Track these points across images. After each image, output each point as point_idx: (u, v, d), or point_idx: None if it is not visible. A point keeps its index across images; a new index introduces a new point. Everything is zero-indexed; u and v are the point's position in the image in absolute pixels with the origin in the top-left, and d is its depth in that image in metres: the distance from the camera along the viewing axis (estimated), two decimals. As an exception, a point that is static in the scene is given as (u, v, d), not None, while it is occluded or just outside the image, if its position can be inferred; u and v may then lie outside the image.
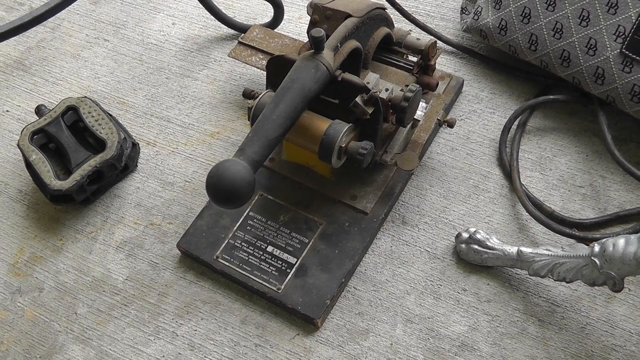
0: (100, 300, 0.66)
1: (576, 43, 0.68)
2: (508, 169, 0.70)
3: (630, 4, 0.65)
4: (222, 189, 0.51)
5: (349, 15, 0.63)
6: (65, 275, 0.68)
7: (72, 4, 0.73)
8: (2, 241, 0.71)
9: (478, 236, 0.64)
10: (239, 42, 0.76)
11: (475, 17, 0.76)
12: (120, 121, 0.77)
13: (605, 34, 0.67)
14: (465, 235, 0.65)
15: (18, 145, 0.70)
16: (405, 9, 0.83)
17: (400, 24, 0.81)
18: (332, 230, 0.66)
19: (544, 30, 0.70)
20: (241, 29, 0.83)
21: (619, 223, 0.66)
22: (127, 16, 0.88)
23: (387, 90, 0.63)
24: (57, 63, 0.84)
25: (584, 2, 0.68)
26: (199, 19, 0.86)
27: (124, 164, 0.71)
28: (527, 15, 0.71)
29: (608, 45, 0.66)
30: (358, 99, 0.60)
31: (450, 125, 0.67)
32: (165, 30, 0.86)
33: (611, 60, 0.66)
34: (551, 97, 0.72)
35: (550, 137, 0.72)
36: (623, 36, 0.65)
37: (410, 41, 0.71)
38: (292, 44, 0.75)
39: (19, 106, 0.81)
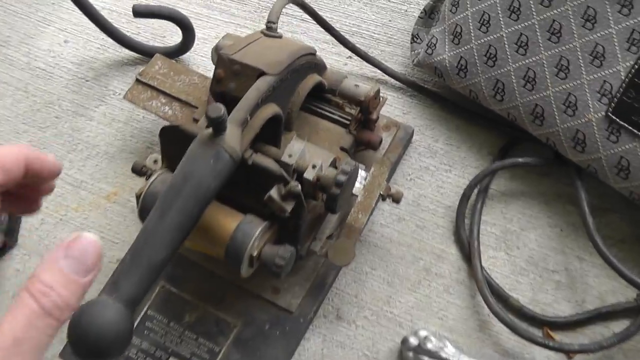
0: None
1: (552, 98, 0.55)
2: (467, 249, 0.58)
3: (619, 55, 0.52)
4: (87, 347, 0.37)
5: (263, 73, 0.49)
6: None
7: None
8: None
9: (429, 345, 0.52)
10: (137, 80, 0.61)
11: (429, 51, 0.62)
12: (-4, 177, 0.63)
13: (587, 90, 0.53)
14: (413, 341, 0.53)
15: None
16: (345, 28, 0.69)
17: (336, 51, 0.66)
18: (248, 334, 0.54)
19: (513, 77, 0.57)
20: (145, 52, 0.68)
21: (600, 321, 0.55)
22: (11, 29, 0.72)
23: (314, 167, 0.50)
24: None
25: (562, 47, 0.54)
26: (95, 35, 0.70)
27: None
28: (492, 56, 0.57)
29: (591, 106, 0.53)
30: (274, 193, 0.46)
31: (396, 200, 0.54)
32: (55, 50, 0.70)
33: (594, 124, 0.53)
34: (520, 160, 0.59)
35: (517, 204, 0.60)
36: (609, 96, 0.52)
37: (346, 89, 0.57)
38: (203, 83, 0.60)
39: None
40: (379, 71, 0.66)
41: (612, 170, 0.53)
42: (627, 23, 0.51)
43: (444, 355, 0.52)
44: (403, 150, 0.61)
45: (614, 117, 0.52)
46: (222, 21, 0.71)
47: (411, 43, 0.65)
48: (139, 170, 0.51)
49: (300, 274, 0.56)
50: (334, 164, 0.53)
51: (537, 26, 0.55)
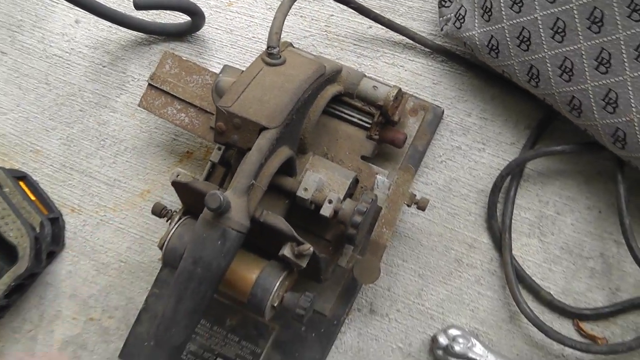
0: (51, 414, 0.62)
1: (590, 92, 0.49)
2: (499, 238, 0.56)
3: (669, 55, 0.45)
4: None
5: (264, 128, 0.46)
6: (10, 385, 0.63)
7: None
8: (-62, 346, 0.65)
9: (457, 348, 0.54)
10: (150, 85, 0.58)
11: (457, 24, 0.55)
12: (36, 180, 0.65)
13: (630, 88, 0.47)
14: (442, 341, 0.55)
15: None
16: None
17: (359, 19, 0.60)
18: (286, 336, 0.57)
19: (548, 65, 0.50)
20: (156, 32, 0.64)
21: (634, 311, 0.54)
22: (22, 12, 0.69)
23: (330, 202, 0.48)
24: (-49, 92, 0.69)
25: (604, 39, 0.47)
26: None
27: (44, 260, 0.61)
28: (525, 40, 0.51)
29: (633, 105, 0.47)
30: (287, 252, 0.46)
31: (422, 208, 0.53)
32: (68, 32, 0.67)
33: (636, 123, 0.48)
34: (557, 148, 0.54)
35: (554, 185, 0.57)
36: (655, 96, 0.46)
37: (364, 91, 0.53)
38: (214, 79, 0.57)
39: None
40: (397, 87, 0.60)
41: (655, 171, 0.49)
42: (679, 18, 0.44)
43: (472, 355, 0.54)
44: (432, 135, 0.58)
45: (659, 120, 0.47)
46: (232, -17, 0.65)
47: (439, 8, 0.58)
48: (159, 213, 0.52)
49: (332, 279, 0.57)
50: (353, 188, 0.51)
51: (575, 12, 0.48)
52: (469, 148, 0.58)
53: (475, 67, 0.59)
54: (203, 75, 0.58)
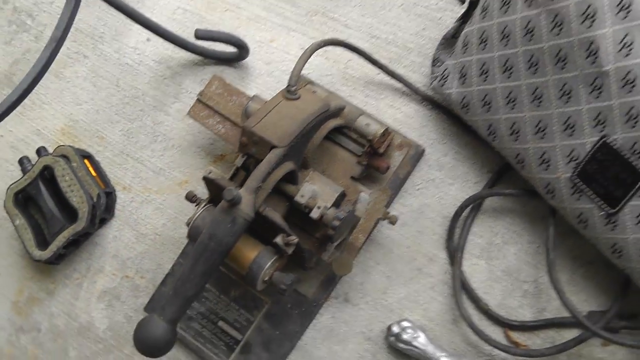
0: (86, 346, 0.78)
1: (531, 152, 0.63)
2: (453, 255, 0.70)
3: (587, 131, 0.59)
4: (145, 349, 0.58)
5: (274, 146, 0.61)
6: (57, 319, 0.79)
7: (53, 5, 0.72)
8: (4, 280, 0.82)
9: (405, 336, 0.68)
10: (198, 100, 0.75)
11: (441, 82, 0.70)
12: (98, 160, 0.81)
13: (559, 153, 0.61)
14: (395, 329, 0.69)
15: (4, 206, 0.77)
16: (382, 36, 0.76)
17: (370, 67, 0.75)
18: (276, 310, 0.72)
19: (502, 126, 0.65)
20: (209, 56, 0.80)
21: (552, 328, 0.68)
22: (104, 26, 0.86)
23: (319, 208, 0.63)
24: (42, 82, 0.86)
25: (543, 113, 0.61)
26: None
27: (97, 224, 0.77)
28: (487, 103, 0.65)
29: (560, 166, 0.61)
30: (279, 240, 0.61)
31: (392, 222, 0.67)
32: (140, 47, 0.84)
33: (562, 181, 0.62)
34: (507, 191, 0.68)
35: (505, 221, 0.70)
36: (576, 162, 0.60)
37: (359, 127, 0.68)
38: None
39: (11, 131, 0.86)
40: (386, 127, 0.73)
41: (575, 220, 0.62)
42: (596, 105, 0.57)
43: (415, 344, 0.68)
44: (412, 167, 0.72)
45: (577, 180, 0.60)
46: (276, 24, 0.81)
47: (432, 66, 0.72)
48: (191, 199, 0.67)
49: (317, 269, 0.72)
50: (339, 200, 0.66)
51: (524, 87, 0.62)
52: (441, 181, 0.72)
53: (454, 117, 0.73)
54: (240, 98, 0.74)
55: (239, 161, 0.69)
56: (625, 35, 0.55)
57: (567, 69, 0.58)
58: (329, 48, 0.79)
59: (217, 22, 0.83)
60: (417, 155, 0.72)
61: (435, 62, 0.72)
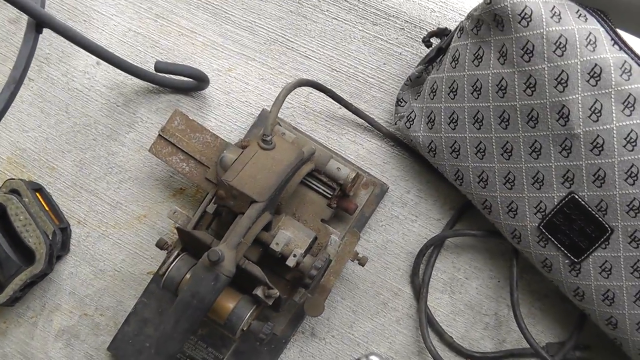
0: (45, 387, 0.76)
1: (499, 199, 0.66)
2: (418, 291, 0.73)
3: (555, 186, 0.61)
4: None
5: (254, 201, 0.61)
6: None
7: None
8: (-48, 320, 0.78)
9: (374, 372, 0.71)
10: (160, 136, 0.72)
11: (407, 124, 0.71)
12: (50, 193, 0.78)
13: (527, 204, 0.64)
14: (363, 364, 0.71)
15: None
16: (343, 69, 0.76)
17: (332, 101, 0.75)
18: (244, 348, 0.73)
19: (470, 173, 0.67)
20: (166, 85, 0.77)
21: (512, 359, 0.72)
22: (50, 47, 0.81)
23: (295, 256, 0.64)
24: (-19, 106, 0.81)
25: (511, 165, 0.63)
26: (123, 56, 0.79)
27: (54, 264, 0.75)
28: (456, 150, 0.67)
29: (528, 216, 0.64)
30: (259, 293, 0.62)
31: (362, 264, 0.69)
32: (89, 71, 0.80)
33: (528, 229, 0.65)
34: (471, 231, 0.71)
35: (467, 257, 0.73)
36: (543, 214, 0.63)
37: (329, 171, 0.68)
38: (214, 142, 0.71)
39: (-51, 160, 0.81)
40: (356, 172, 0.73)
41: (539, 264, 0.66)
42: (565, 163, 0.60)
43: (385, 379, 0.71)
44: (377, 205, 0.73)
45: (544, 230, 0.63)
46: (234, 52, 0.79)
47: (395, 106, 0.73)
48: (162, 247, 0.66)
49: (286, 307, 0.72)
50: (312, 245, 0.66)
51: (494, 140, 0.64)
52: (404, 218, 0.74)
53: (417, 155, 0.74)
54: (204, 135, 0.72)
55: (211, 208, 0.68)
56: (595, 102, 0.58)
57: (538, 128, 0.61)
58: (289, 80, 0.78)
59: (171, 47, 0.80)
60: (381, 193, 0.73)
61: (399, 102, 0.73)
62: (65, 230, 0.77)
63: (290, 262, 0.63)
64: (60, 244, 0.75)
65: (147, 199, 0.77)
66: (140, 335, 0.73)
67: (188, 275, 0.64)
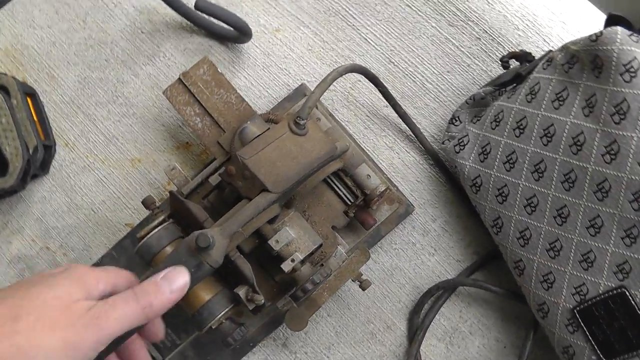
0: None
1: (535, 265, 0.56)
2: (413, 333, 0.64)
3: (605, 273, 0.52)
4: None
5: (266, 189, 0.52)
6: (-45, 275, 0.69)
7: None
8: None
9: (339, 406, 0.63)
10: (179, 80, 0.63)
11: (457, 149, 0.61)
12: (43, 101, 0.69)
13: (566, 281, 0.55)
14: (331, 394, 0.63)
15: None
16: (402, 64, 0.67)
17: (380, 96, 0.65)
18: (206, 339, 0.64)
19: (512, 225, 0.57)
20: (205, 27, 0.67)
21: None
22: (86, -56, 0.71)
23: (293, 261, 0.55)
24: (-6, -13, 0.71)
25: (562, 233, 0.54)
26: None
27: (28, 182, 0.66)
28: (503, 195, 0.58)
29: (564, 294, 0.55)
30: (241, 293, 0.53)
31: (363, 287, 0.60)
32: (123, -15, 0.70)
33: (560, 309, 0.56)
34: (490, 286, 0.62)
35: (477, 310, 0.64)
36: (582, 298, 0.54)
37: (359, 176, 0.60)
38: (238, 105, 0.62)
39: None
40: (386, 186, 0.64)
41: (560, 348, 0.57)
42: (624, 252, 0.51)
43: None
44: (396, 225, 0.64)
45: (578, 316, 0.54)
46: (288, 12, 0.69)
47: (448, 123, 0.63)
48: (148, 206, 0.57)
49: (263, 310, 0.64)
50: (315, 252, 0.57)
51: (550, 199, 0.54)
52: (421, 247, 0.65)
53: (455, 184, 0.65)
54: (229, 93, 0.62)
55: (214, 179, 0.59)
56: (684, 194, 0.48)
57: (605, 203, 0.51)
58: (340, 60, 0.68)
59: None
60: (405, 214, 0.64)
61: (454, 119, 0.63)
62: (49, 149, 0.68)
63: (286, 266, 0.55)
64: (40, 162, 0.67)
65: (147, 143, 0.68)
66: (98, 290, 0.65)
67: (168, 249, 0.55)
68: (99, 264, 0.65)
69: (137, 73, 0.69)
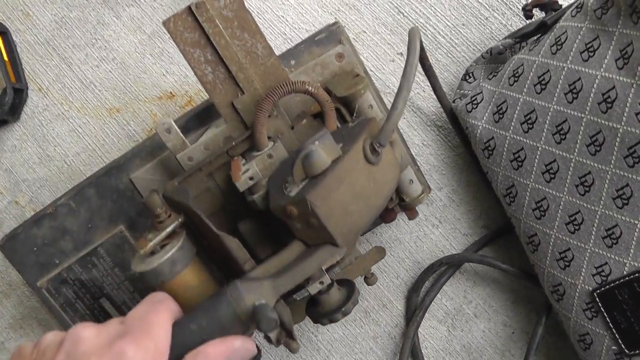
0: (-58, 270, 0.63)
1: (552, 240, 0.49)
2: (411, 313, 0.57)
3: (632, 252, 0.45)
4: None
5: (333, 243, 0.43)
6: None
7: None
8: None
9: (325, 389, 0.56)
10: (189, 10, 0.49)
11: (469, 107, 0.54)
12: (16, 41, 0.62)
13: (587, 259, 0.48)
14: (316, 376, 0.57)
15: None
16: (412, 15, 0.59)
17: (390, 40, 0.58)
18: (180, 309, 0.58)
19: (527, 194, 0.50)
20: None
21: None
22: None
23: (321, 284, 0.45)
24: None
25: (584, 204, 0.47)
26: None
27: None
28: (519, 160, 0.50)
29: (583, 274, 0.48)
30: (272, 336, 0.43)
31: (369, 283, 0.51)
32: None
33: (578, 290, 0.49)
34: (499, 264, 0.55)
35: (484, 290, 0.58)
36: (604, 279, 0.47)
37: (401, 179, 0.52)
38: (265, 59, 0.49)
39: None
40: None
41: (575, 335, 0.50)
42: (658, 227, 0.44)
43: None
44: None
45: (598, 299, 0.47)
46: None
47: (461, 79, 0.56)
48: (154, 210, 0.46)
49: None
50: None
51: (572, 164, 0.47)
52: (425, 219, 0.58)
53: (466, 148, 0.57)
54: (255, 41, 0.50)
55: (244, 185, 0.47)
56: None
57: (636, 170, 0.44)
58: (341, 8, 0.61)
59: None
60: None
61: (467, 76, 0.56)
62: (20, 93, 0.62)
63: (313, 289, 0.45)
64: (9, 106, 0.61)
65: (127, 92, 0.62)
66: (52, 246, 0.56)
67: (185, 272, 0.45)
68: (51, 215, 0.55)
69: (119, 14, 0.62)
